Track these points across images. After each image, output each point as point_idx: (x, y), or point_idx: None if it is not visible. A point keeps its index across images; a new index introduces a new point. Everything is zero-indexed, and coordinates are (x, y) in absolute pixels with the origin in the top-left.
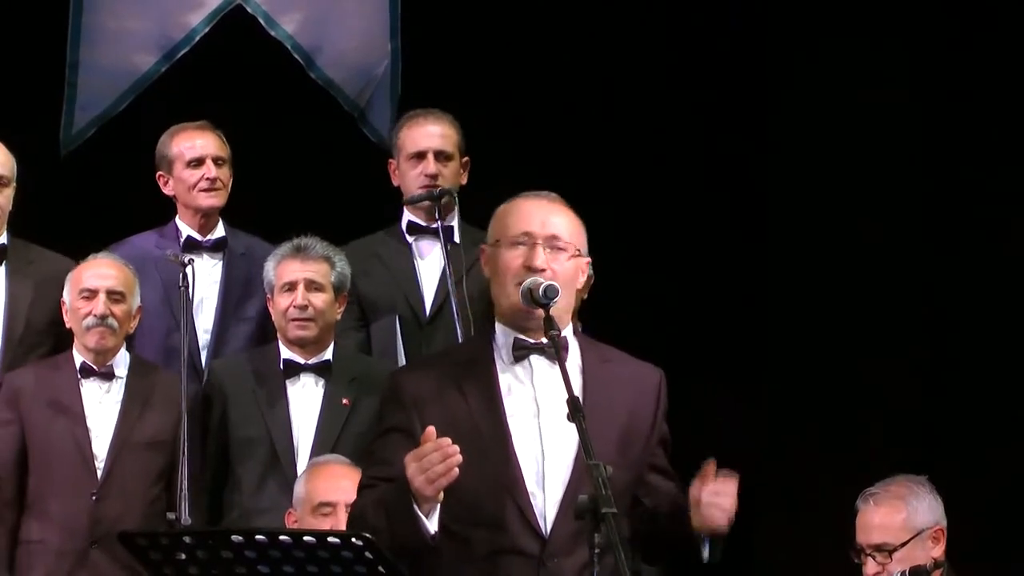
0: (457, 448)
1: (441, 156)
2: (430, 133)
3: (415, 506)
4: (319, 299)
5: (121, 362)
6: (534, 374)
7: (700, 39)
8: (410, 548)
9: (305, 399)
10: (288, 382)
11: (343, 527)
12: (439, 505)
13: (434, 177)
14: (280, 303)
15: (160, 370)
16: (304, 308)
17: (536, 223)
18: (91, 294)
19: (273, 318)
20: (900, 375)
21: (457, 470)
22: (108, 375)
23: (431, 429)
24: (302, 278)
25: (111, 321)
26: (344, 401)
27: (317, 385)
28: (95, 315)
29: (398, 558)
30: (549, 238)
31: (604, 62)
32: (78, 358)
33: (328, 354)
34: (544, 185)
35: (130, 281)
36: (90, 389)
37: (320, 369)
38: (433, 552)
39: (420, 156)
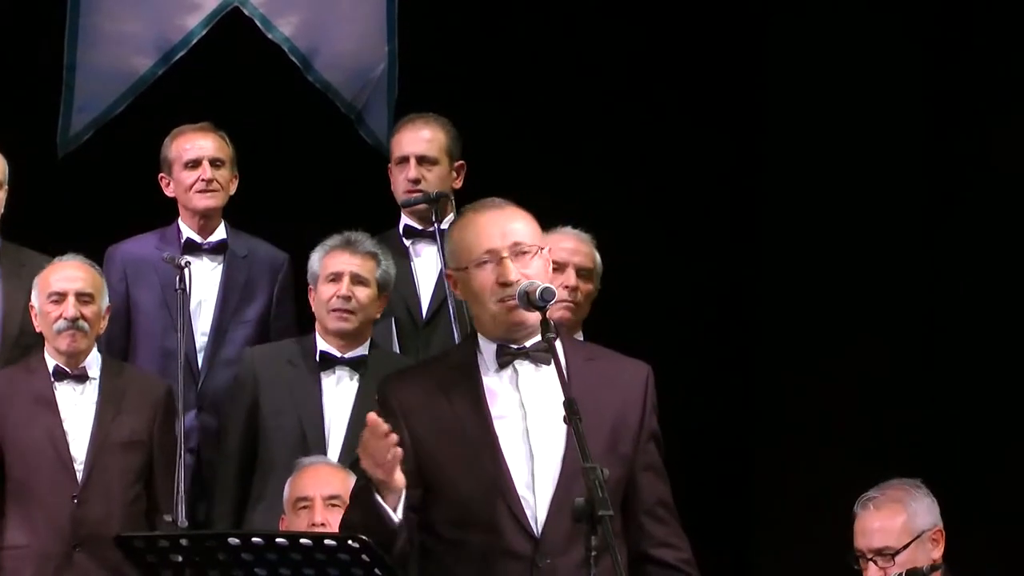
0: (387, 427)
1: (424, 161)
2: (414, 138)
3: (377, 496)
4: (363, 293)
5: (93, 363)
6: (519, 378)
7: (698, 41)
8: (382, 544)
9: (339, 392)
10: (323, 374)
11: (319, 519)
12: (403, 495)
13: (416, 182)
14: (323, 293)
15: (131, 369)
16: (348, 299)
17: (496, 237)
18: (60, 297)
19: (313, 308)
20: (898, 377)
21: (400, 450)
22: (82, 377)
23: (370, 415)
24: (348, 270)
25: (82, 323)
26: (377, 397)
27: (352, 379)
28: (66, 318)
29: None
30: (512, 247)
31: (602, 64)
32: (50, 361)
33: (364, 349)
34: (540, 188)
35: (98, 282)
36: (64, 392)
37: (355, 363)
38: (404, 551)
39: (405, 160)
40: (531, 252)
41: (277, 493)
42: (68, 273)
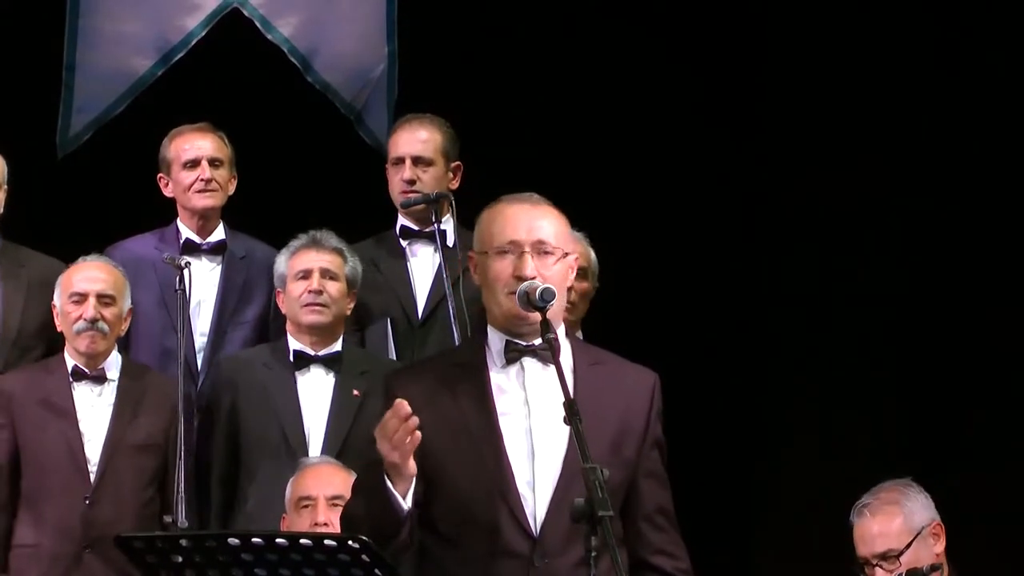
0: (409, 409)
1: (420, 162)
2: (410, 139)
3: (387, 481)
4: (333, 287)
5: (113, 365)
6: (526, 376)
7: (696, 41)
8: (387, 532)
9: (316, 390)
10: (298, 373)
11: (322, 519)
12: (413, 483)
13: (411, 183)
14: (293, 290)
15: (152, 372)
16: (319, 293)
17: (522, 230)
18: (81, 298)
19: (284, 309)
20: (899, 380)
21: (420, 433)
22: (100, 378)
23: (399, 400)
24: (317, 266)
25: (101, 325)
26: (355, 392)
27: (328, 375)
28: (85, 319)
29: (383, 545)
30: (536, 244)
31: (601, 65)
32: (69, 361)
33: (338, 346)
34: (540, 188)
35: (120, 283)
36: (82, 392)
37: (330, 361)
38: (408, 543)
39: (400, 161)
40: (554, 254)
41: (261, 495)
42: (90, 274)
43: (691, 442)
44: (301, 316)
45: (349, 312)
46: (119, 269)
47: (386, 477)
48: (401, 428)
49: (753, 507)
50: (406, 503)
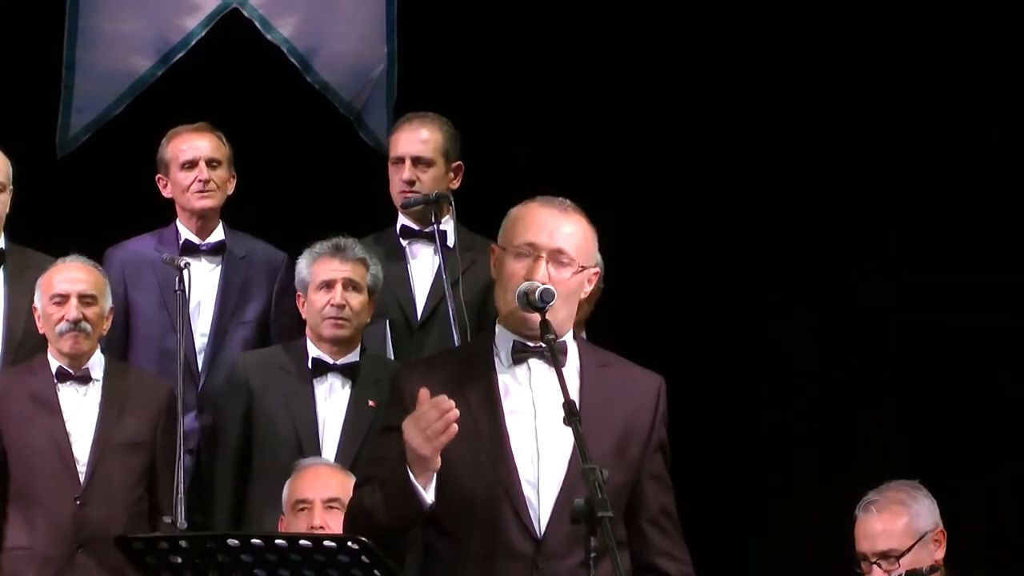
0: (453, 403)
1: (419, 162)
2: (410, 139)
3: (411, 476)
4: (356, 300)
5: (96, 364)
6: (532, 376)
7: (697, 41)
8: (405, 525)
9: (332, 399)
10: (316, 381)
11: (318, 522)
12: (435, 478)
13: (410, 183)
14: (316, 301)
15: (135, 370)
16: (342, 307)
17: (543, 235)
18: (63, 299)
19: (305, 316)
20: (901, 383)
21: (456, 427)
22: (84, 378)
23: (424, 391)
24: (341, 277)
25: (84, 325)
26: (370, 403)
27: (344, 387)
28: (68, 320)
29: (393, 539)
30: (554, 252)
31: (602, 64)
32: (53, 363)
33: (356, 355)
34: (540, 189)
35: (100, 283)
36: (67, 393)
37: (347, 370)
38: (425, 540)
39: (400, 161)
40: (570, 266)
41: (273, 500)
42: (71, 275)
43: (691, 443)
44: (323, 329)
45: (369, 320)
46: (99, 269)
47: (409, 472)
48: (440, 420)
49: (753, 507)
50: (429, 496)
